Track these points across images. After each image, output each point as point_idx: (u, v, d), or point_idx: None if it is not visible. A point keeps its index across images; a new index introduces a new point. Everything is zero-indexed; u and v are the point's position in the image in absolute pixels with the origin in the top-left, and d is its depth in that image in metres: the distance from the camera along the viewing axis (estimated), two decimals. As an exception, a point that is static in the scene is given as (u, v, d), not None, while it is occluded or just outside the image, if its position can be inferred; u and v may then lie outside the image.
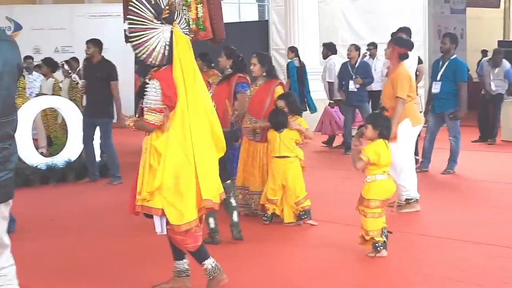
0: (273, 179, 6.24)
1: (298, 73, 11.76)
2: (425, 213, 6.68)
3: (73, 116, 9.38)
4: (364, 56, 11.61)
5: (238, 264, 5.08)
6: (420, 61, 10.19)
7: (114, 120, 8.71)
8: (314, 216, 6.27)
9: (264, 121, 6.37)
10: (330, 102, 11.73)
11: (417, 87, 8.50)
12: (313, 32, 14.53)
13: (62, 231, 6.38)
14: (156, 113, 4.15)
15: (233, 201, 5.71)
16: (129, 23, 4.17)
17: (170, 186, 4.10)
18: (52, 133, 10.88)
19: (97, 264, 5.28)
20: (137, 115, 4.41)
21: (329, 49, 11.82)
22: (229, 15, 19.73)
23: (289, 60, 12.17)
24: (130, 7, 4.17)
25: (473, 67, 15.29)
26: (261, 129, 6.43)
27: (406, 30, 8.73)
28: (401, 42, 6.94)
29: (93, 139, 8.86)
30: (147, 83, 4.21)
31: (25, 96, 10.95)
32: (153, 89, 4.16)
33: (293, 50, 12.21)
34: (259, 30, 18.02)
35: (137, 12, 4.15)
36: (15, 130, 3.40)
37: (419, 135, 7.24)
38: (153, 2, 4.18)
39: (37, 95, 11.23)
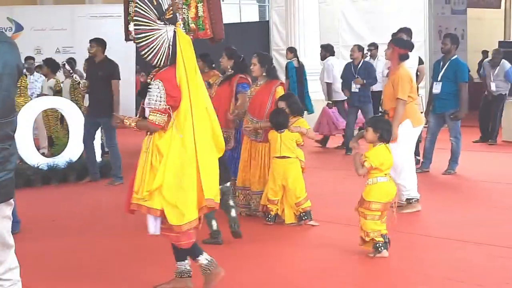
0: (273, 179, 6.24)
1: (297, 74, 11.78)
2: (426, 213, 6.68)
3: (74, 116, 9.39)
4: (365, 56, 11.62)
5: (238, 264, 5.08)
6: (421, 62, 10.20)
7: None
8: (315, 217, 6.28)
9: (265, 121, 6.38)
10: (328, 103, 11.76)
11: (417, 87, 8.52)
12: (314, 33, 14.55)
13: (63, 232, 6.39)
14: (160, 114, 4.16)
15: (231, 201, 5.72)
16: (135, 24, 4.19)
17: (172, 186, 4.11)
18: (53, 134, 10.89)
19: (98, 264, 5.29)
20: (138, 115, 4.42)
21: (327, 51, 11.89)
22: (230, 15, 19.78)
23: (288, 61, 12.19)
24: (136, 8, 4.19)
25: (474, 67, 15.29)
26: (262, 129, 6.44)
27: (407, 31, 8.73)
28: (401, 42, 6.94)
29: (94, 138, 8.87)
30: (150, 84, 4.22)
31: (27, 95, 10.99)
32: (157, 90, 4.16)
33: (292, 51, 12.24)
34: (259, 30, 18.04)
35: (142, 13, 4.17)
36: (15, 131, 3.41)
37: (420, 136, 7.25)
38: (155, 3, 4.20)
39: (38, 95, 11.24)
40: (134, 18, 4.21)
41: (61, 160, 9.11)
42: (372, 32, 14.16)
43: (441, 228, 6.07)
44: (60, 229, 6.50)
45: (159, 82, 4.17)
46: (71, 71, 10.71)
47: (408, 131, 6.61)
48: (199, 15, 5.45)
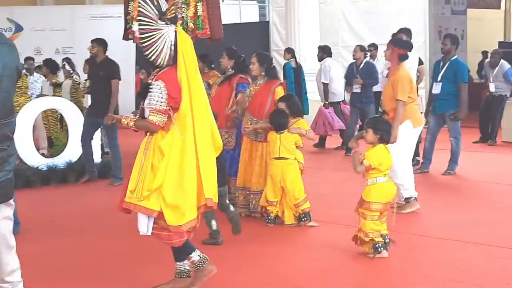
0: (271, 180, 6.24)
1: (294, 74, 11.79)
2: (425, 214, 6.68)
3: (73, 117, 9.39)
4: (365, 57, 11.63)
5: (238, 264, 5.08)
6: (420, 62, 10.21)
7: None
8: (314, 217, 6.27)
9: (265, 122, 6.37)
10: (324, 103, 11.78)
11: (417, 88, 8.52)
12: (314, 33, 14.55)
13: (63, 232, 6.39)
14: (161, 114, 4.15)
15: (227, 201, 5.72)
16: (139, 24, 4.19)
17: (172, 186, 4.11)
18: (53, 134, 10.89)
19: (98, 264, 5.29)
20: (137, 115, 4.42)
21: (324, 52, 11.91)
22: (230, 16, 19.78)
23: (285, 61, 12.20)
24: (139, 8, 4.20)
25: (474, 68, 15.30)
26: (262, 129, 6.44)
27: (407, 31, 8.73)
28: (400, 43, 6.93)
29: (92, 138, 8.85)
30: (151, 84, 4.22)
31: (27, 95, 10.99)
32: (158, 90, 4.16)
33: (289, 51, 12.26)
34: (259, 31, 18.04)
35: (144, 13, 4.17)
36: (14, 132, 3.42)
37: (420, 136, 7.24)
38: (156, 3, 4.20)
39: (38, 96, 11.24)
40: (138, 18, 4.21)
41: (60, 160, 9.10)
42: (372, 33, 14.17)
43: (441, 229, 6.07)
44: (59, 230, 6.50)
45: (161, 83, 4.17)
46: (71, 71, 10.70)
47: (409, 132, 6.60)
48: (198, 14, 5.45)
